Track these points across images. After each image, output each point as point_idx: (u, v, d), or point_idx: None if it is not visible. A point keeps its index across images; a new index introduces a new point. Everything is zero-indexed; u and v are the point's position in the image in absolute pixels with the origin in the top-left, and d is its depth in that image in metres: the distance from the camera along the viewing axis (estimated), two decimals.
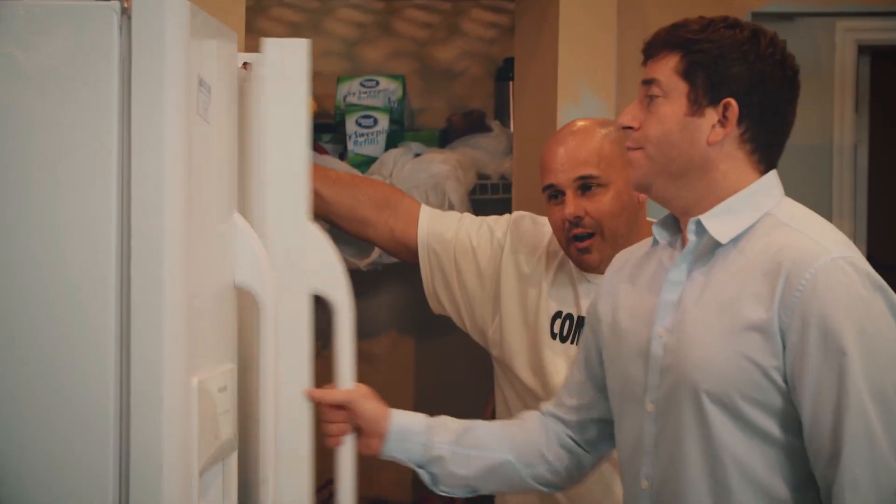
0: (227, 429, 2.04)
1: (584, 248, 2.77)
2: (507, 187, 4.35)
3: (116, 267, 1.84)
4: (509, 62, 4.46)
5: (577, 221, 2.75)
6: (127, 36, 1.85)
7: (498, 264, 2.95)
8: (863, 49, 4.35)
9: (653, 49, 2.22)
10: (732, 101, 2.14)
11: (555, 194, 2.79)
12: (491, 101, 4.84)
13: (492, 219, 3.04)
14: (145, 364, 1.84)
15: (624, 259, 2.42)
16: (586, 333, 2.45)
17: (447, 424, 2.51)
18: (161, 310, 1.84)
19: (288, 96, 2.26)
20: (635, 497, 2.25)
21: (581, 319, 2.85)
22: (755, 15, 4.13)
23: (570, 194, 2.76)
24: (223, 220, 2.09)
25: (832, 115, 4.29)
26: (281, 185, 2.24)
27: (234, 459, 2.11)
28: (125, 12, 1.85)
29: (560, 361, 2.84)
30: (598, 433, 2.45)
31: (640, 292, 2.28)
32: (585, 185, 2.77)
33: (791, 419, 2.07)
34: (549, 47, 3.82)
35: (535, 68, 3.95)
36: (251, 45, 2.34)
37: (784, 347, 2.05)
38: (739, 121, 2.15)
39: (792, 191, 4.31)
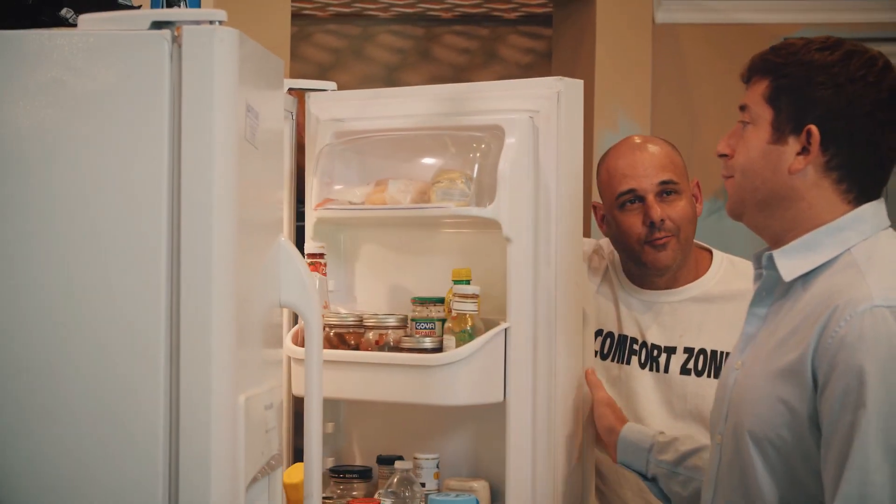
0: (273, 444, 2.08)
1: (662, 244, 2.82)
2: None
3: (167, 288, 1.89)
4: None
5: (660, 225, 2.80)
6: (178, 64, 1.90)
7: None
8: None
9: (748, 74, 2.14)
10: (813, 128, 2.04)
11: (633, 199, 2.84)
12: None
13: None
14: (194, 382, 1.88)
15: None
16: None
17: (675, 446, 2.57)
18: (210, 329, 1.88)
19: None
20: None
21: (622, 338, 2.89)
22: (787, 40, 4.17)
23: (651, 199, 2.82)
24: (270, 242, 2.14)
25: None
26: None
27: (279, 474, 2.15)
28: (176, 41, 1.90)
29: (601, 378, 2.87)
30: None
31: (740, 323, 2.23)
32: (666, 191, 2.83)
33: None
34: (586, 73, 3.87)
35: None
36: (296, 70, 2.39)
37: (816, 390, 1.96)
38: (824, 148, 2.04)
39: None
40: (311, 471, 2.15)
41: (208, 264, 1.89)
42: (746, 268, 2.89)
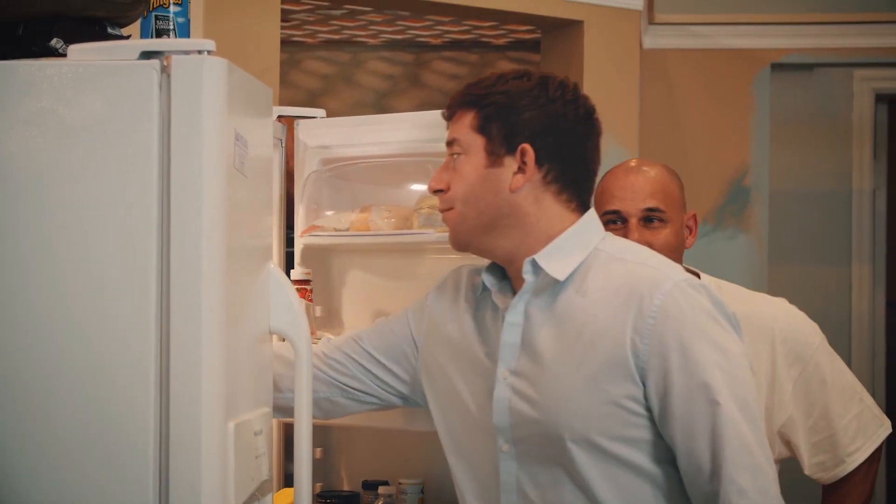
0: (263, 470, 2.09)
1: None
2: None
3: (156, 315, 1.91)
4: None
5: None
6: (167, 94, 1.92)
7: None
8: (880, 97, 4.42)
9: (450, 110, 2.25)
10: (527, 146, 2.17)
11: (615, 220, 2.81)
12: None
13: None
14: (184, 408, 1.89)
15: (447, 300, 2.39)
16: (399, 330, 2.42)
17: None
18: (199, 355, 1.90)
19: None
20: None
21: None
22: (774, 66, 4.20)
23: (634, 222, 2.78)
24: (259, 268, 2.15)
25: (851, 162, 4.35)
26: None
27: (269, 500, 2.16)
28: (165, 71, 1.92)
29: None
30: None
31: (478, 333, 2.28)
32: (650, 218, 2.80)
33: (661, 447, 2.12)
34: None
35: None
36: (286, 96, 2.41)
37: (643, 377, 2.09)
38: (539, 164, 2.18)
39: (812, 235, 4.39)
40: (302, 497, 2.16)
41: (198, 292, 1.90)
42: (734, 291, 2.94)
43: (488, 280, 2.28)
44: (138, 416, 1.90)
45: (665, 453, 2.12)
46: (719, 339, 2.10)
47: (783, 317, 2.87)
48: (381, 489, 2.57)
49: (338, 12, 4.58)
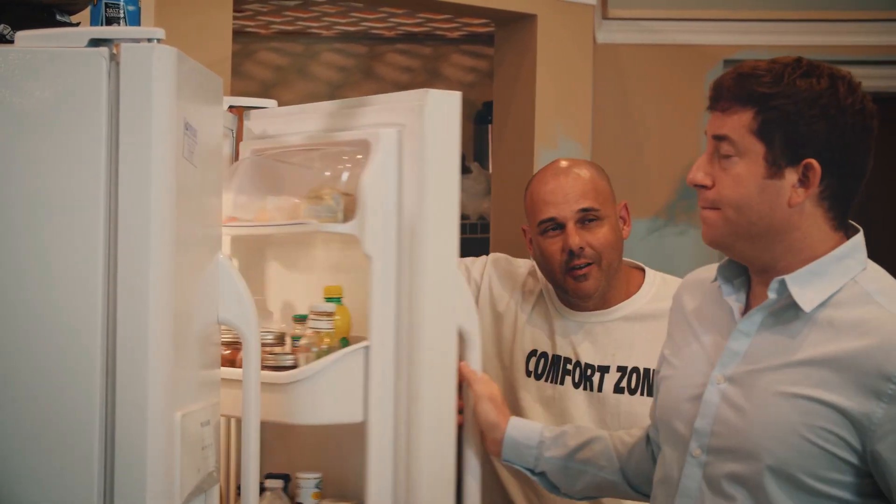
0: (210, 462, 2.09)
1: (581, 274, 2.83)
2: (486, 227, 4.42)
3: (103, 305, 1.90)
4: (488, 106, 4.53)
5: (579, 253, 2.81)
6: (115, 82, 1.91)
7: (475, 304, 3.00)
8: None
9: (722, 102, 2.05)
10: (814, 163, 2.00)
11: (553, 227, 2.85)
12: (470, 144, 4.91)
13: (469, 260, 3.09)
14: (131, 398, 1.89)
15: (690, 295, 2.31)
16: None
17: (564, 440, 2.53)
18: (147, 345, 1.89)
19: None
20: None
21: (556, 358, 2.91)
22: (727, 62, 4.22)
23: (571, 226, 2.82)
24: (208, 259, 2.15)
25: None
26: None
27: (216, 492, 2.16)
28: (114, 59, 1.91)
29: (534, 398, 2.90)
30: None
31: (702, 332, 2.21)
32: (586, 218, 2.83)
33: (864, 488, 2.00)
34: (527, 92, 3.89)
35: (513, 113, 4.02)
36: (239, 87, 2.40)
37: (866, 432, 1.96)
38: (821, 179, 2.01)
39: None
40: (248, 490, 2.16)
41: (145, 281, 1.90)
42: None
43: (723, 277, 2.17)
44: (84, 406, 1.89)
45: (871, 488, 2.01)
46: None
47: None
48: (266, 482, 2.50)
49: (291, 3, 4.57)
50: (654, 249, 4.11)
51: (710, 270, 2.24)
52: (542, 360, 2.93)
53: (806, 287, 2.03)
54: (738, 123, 2.02)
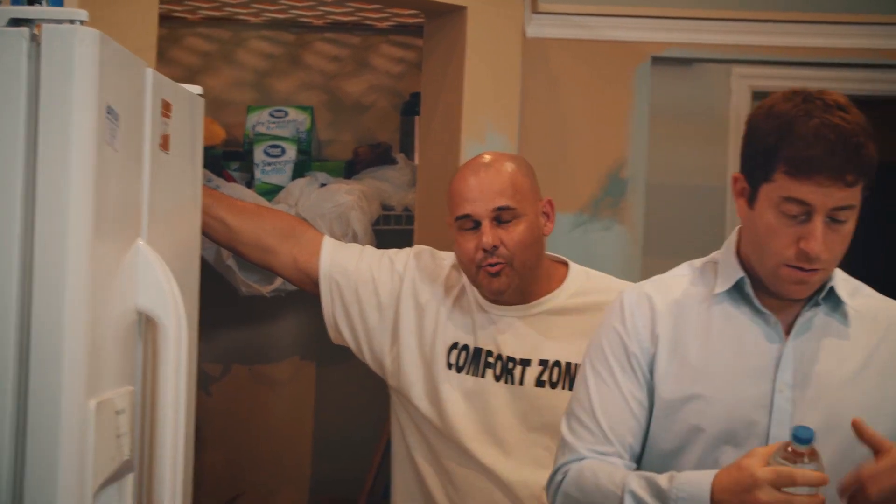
0: (124, 450, 2.07)
1: (495, 272, 2.83)
2: (410, 219, 4.41)
3: (18, 290, 1.87)
4: (416, 97, 4.52)
5: (492, 251, 2.81)
6: (36, 63, 1.88)
7: (397, 296, 3.00)
8: (757, 95, 4.47)
9: (848, 175, 2.16)
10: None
11: (470, 225, 2.85)
12: (397, 135, 4.90)
13: (392, 252, 3.09)
14: (44, 385, 1.86)
15: (670, 307, 2.36)
16: (630, 379, 2.35)
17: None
18: (62, 333, 1.87)
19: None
20: None
21: (477, 351, 2.91)
22: (655, 59, 4.23)
23: (486, 224, 2.82)
24: (127, 245, 2.12)
25: (727, 158, 4.40)
26: None
27: (130, 480, 2.13)
28: (34, 39, 1.88)
29: (455, 391, 2.90)
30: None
31: (735, 345, 2.30)
32: (502, 217, 2.83)
33: None
34: (455, 84, 3.89)
35: (441, 104, 4.01)
36: (165, 73, 2.37)
37: None
38: None
39: (687, 229, 4.43)
40: (164, 487, 2.15)
41: (62, 267, 1.87)
42: (602, 280, 2.97)
43: (723, 285, 2.32)
44: None
45: None
46: None
47: None
48: None
49: None
50: (578, 244, 4.12)
51: (685, 286, 2.38)
52: (464, 353, 2.93)
53: (842, 290, 2.31)
54: (857, 192, 2.18)
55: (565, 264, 3.00)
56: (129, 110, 2.11)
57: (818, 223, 2.16)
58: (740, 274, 2.30)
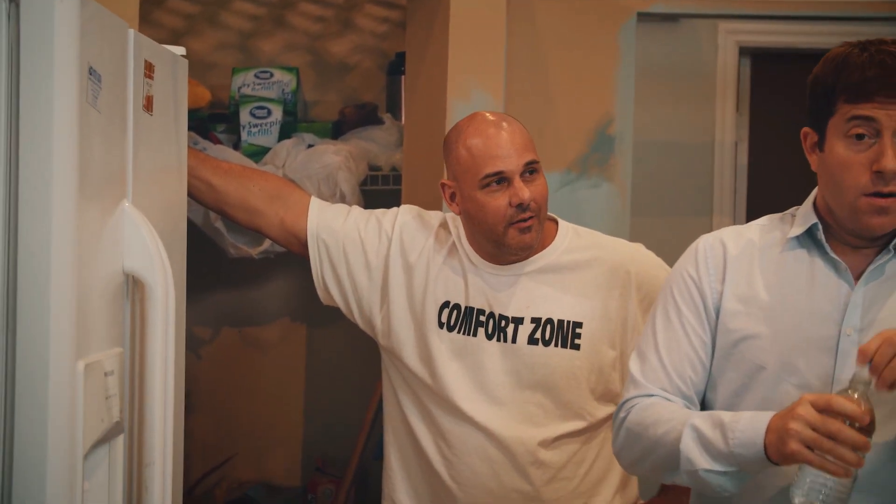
0: (114, 412, 2.07)
1: (527, 227, 2.83)
2: (398, 179, 4.40)
3: (3, 253, 1.86)
4: (401, 56, 4.50)
5: (528, 206, 2.82)
6: (15, 24, 1.86)
7: (385, 255, 3.00)
8: (744, 51, 4.47)
9: None
10: None
11: (499, 181, 2.83)
12: (383, 95, 4.89)
13: (380, 211, 3.08)
14: (32, 348, 1.86)
15: (743, 250, 2.39)
16: (697, 319, 2.38)
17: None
18: (48, 295, 1.86)
19: None
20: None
21: (469, 310, 2.91)
22: (641, 15, 4.22)
23: (518, 180, 2.82)
24: (113, 207, 2.11)
25: (714, 114, 4.40)
26: None
27: (120, 442, 2.13)
28: (14, 1, 1.87)
29: (447, 350, 2.90)
30: None
31: (804, 288, 2.31)
32: (530, 171, 2.84)
33: None
34: (440, 44, 3.87)
35: (426, 64, 4.00)
36: (148, 35, 2.36)
37: None
38: None
39: (676, 186, 4.43)
40: (154, 442, 2.15)
41: (48, 229, 1.86)
42: (591, 236, 2.97)
43: (799, 230, 2.33)
44: None
45: None
46: None
47: (639, 261, 2.93)
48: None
49: None
50: (566, 202, 4.11)
51: (760, 232, 2.40)
52: (455, 312, 2.93)
53: None
54: None
55: (555, 222, 3.00)
56: (112, 71, 2.09)
57: (887, 140, 2.18)
58: (814, 220, 2.32)
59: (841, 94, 2.21)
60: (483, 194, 2.84)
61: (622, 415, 2.37)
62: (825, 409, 2.06)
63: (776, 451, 2.10)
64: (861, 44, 2.25)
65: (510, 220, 2.82)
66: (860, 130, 2.20)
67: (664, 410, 2.30)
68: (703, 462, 2.19)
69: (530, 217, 2.82)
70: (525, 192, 2.80)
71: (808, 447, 2.05)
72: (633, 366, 2.41)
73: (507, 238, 2.84)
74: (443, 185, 2.92)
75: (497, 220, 2.84)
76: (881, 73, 2.18)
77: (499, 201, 2.82)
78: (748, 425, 2.15)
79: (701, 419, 2.22)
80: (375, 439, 4.48)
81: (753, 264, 2.35)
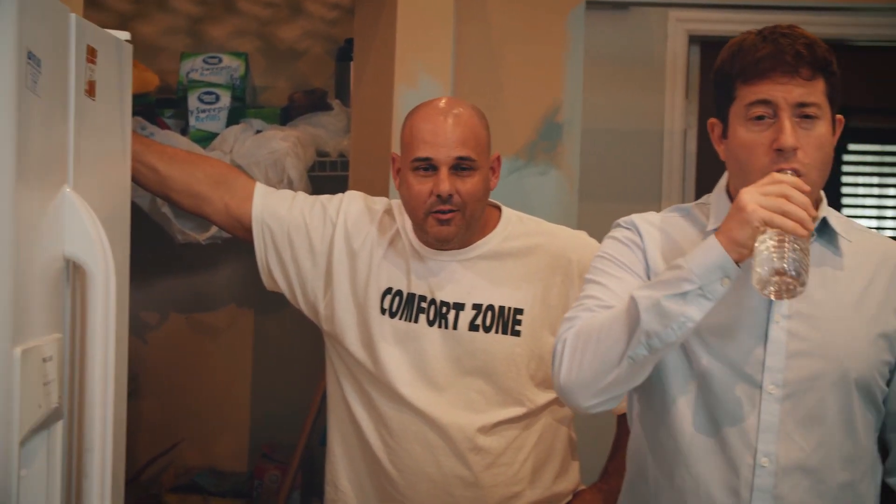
0: (52, 398, 2.06)
1: (445, 219, 2.84)
2: (346, 165, 4.40)
3: None
4: (350, 43, 4.49)
5: (447, 199, 2.82)
6: None
7: (330, 241, 3.00)
8: (693, 39, 4.49)
9: (803, 70, 2.24)
10: (841, 117, 2.32)
11: (427, 167, 2.85)
12: (332, 81, 4.87)
13: (325, 197, 3.08)
14: None
15: (671, 243, 2.40)
16: (630, 275, 2.38)
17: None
18: None
19: None
20: (748, 473, 2.29)
21: (410, 296, 2.92)
22: (590, 3, 4.22)
23: (444, 172, 2.82)
24: (53, 192, 2.10)
25: (663, 102, 4.42)
26: None
27: (59, 428, 2.12)
28: None
29: (388, 336, 2.91)
30: None
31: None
32: (461, 166, 2.84)
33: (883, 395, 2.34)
34: (388, 30, 3.87)
35: (374, 50, 3.99)
36: (96, 19, 2.35)
37: None
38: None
39: (625, 173, 4.45)
40: (94, 428, 2.14)
41: None
42: (534, 224, 2.98)
43: (718, 219, 2.35)
44: None
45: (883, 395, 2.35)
46: None
47: (582, 248, 2.94)
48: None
49: None
50: (514, 189, 4.12)
51: (678, 227, 2.41)
52: (397, 298, 2.93)
53: (835, 222, 2.35)
54: (817, 90, 2.24)
55: (498, 209, 3.01)
56: (52, 56, 2.08)
57: (785, 119, 2.22)
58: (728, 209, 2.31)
59: (738, 77, 2.25)
60: (413, 176, 2.86)
61: (564, 336, 2.29)
62: (767, 182, 2.14)
63: (734, 238, 2.12)
64: (758, 30, 2.29)
65: (430, 209, 2.84)
66: (759, 111, 2.23)
67: (607, 311, 2.29)
68: (662, 290, 2.16)
69: (450, 211, 2.83)
70: (445, 184, 2.81)
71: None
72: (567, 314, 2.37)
73: (427, 225, 2.86)
74: (393, 157, 2.94)
75: (418, 204, 2.86)
76: (774, 50, 2.22)
77: (423, 186, 2.84)
78: (698, 249, 2.18)
79: (642, 286, 2.24)
80: (322, 425, 4.48)
81: (675, 256, 2.32)
